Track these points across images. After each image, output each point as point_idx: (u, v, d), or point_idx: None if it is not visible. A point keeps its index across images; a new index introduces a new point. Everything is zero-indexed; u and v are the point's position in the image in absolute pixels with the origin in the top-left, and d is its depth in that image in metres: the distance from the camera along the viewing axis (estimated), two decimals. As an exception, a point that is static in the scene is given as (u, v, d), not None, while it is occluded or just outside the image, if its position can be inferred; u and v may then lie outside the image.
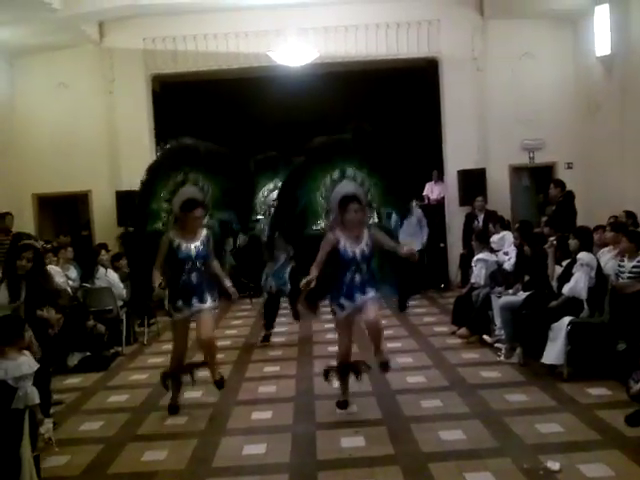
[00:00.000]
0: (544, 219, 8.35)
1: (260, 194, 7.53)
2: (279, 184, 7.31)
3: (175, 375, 5.26)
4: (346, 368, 5.07)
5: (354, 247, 4.74)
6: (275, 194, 7.29)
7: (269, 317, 7.53)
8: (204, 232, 5.11)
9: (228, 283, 5.20)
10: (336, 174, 5.06)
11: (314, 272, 4.63)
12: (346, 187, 5.00)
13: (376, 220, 5.11)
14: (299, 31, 10.80)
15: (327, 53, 10.88)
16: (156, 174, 5.32)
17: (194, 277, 5.00)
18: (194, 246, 5.01)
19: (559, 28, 11.08)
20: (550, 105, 11.02)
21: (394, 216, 5.31)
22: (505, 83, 11.03)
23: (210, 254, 5.13)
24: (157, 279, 4.88)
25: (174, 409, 5.18)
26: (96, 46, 11.13)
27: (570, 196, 8.65)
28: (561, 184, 8.84)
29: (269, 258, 7.35)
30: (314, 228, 5.13)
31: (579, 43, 10.79)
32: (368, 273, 4.81)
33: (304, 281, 4.60)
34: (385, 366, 4.90)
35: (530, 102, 10.97)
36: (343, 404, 5.01)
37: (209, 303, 5.06)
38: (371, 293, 4.76)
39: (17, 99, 11.19)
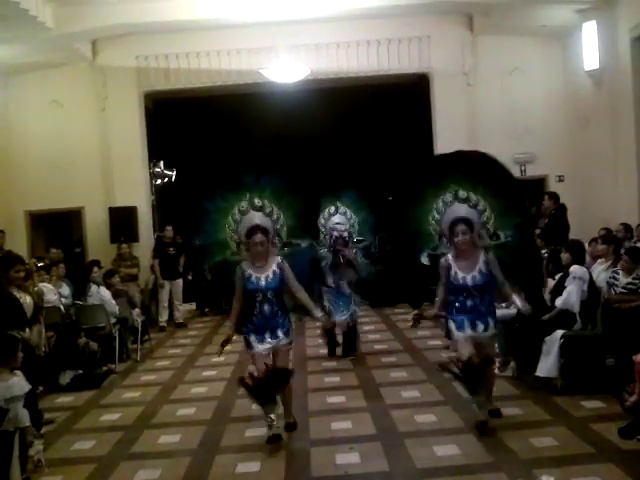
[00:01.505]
0: (537, 232, 8.38)
1: (321, 217, 7.36)
2: (340, 208, 7.33)
3: (256, 393, 4.81)
4: (475, 370, 4.73)
5: (465, 273, 4.67)
6: (337, 217, 7.27)
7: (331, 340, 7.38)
8: (277, 260, 4.81)
9: (318, 313, 5.00)
10: (448, 196, 4.90)
11: (437, 301, 4.70)
12: (457, 210, 4.84)
13: (490, 242, 4.87)
14: (291, 48, 10.88)
15: (319, 69, 10.96)
16: (212, 197, 5.10)
17: (266, 309, 4.73)
18: (264, 276, 4.73)
19: (548, 43, 11.22)
20: (540, 119, 11.13)
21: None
22: (495, 98, 11.14)
23: (289, 282, 4.80)
24: (233, 318, 4.78)
25: (274, 439, 4.69)
26: (89, 64, 11.18)
27: (563, 209, 8.69)
28: (555, 196, 8.90)
29: (331, 284, 7.10)
30: (427, 253, 4.99)
31: (568, 58, 10.92)
32: (485, 302, 4.71)
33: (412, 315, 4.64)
34: (497, 413, 4.84)
35: (520, 116, 11.08)
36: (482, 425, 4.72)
37: (283, 339, 4.79)
38: (492, 326, 4.73)
39: (11, 116, 11.21)
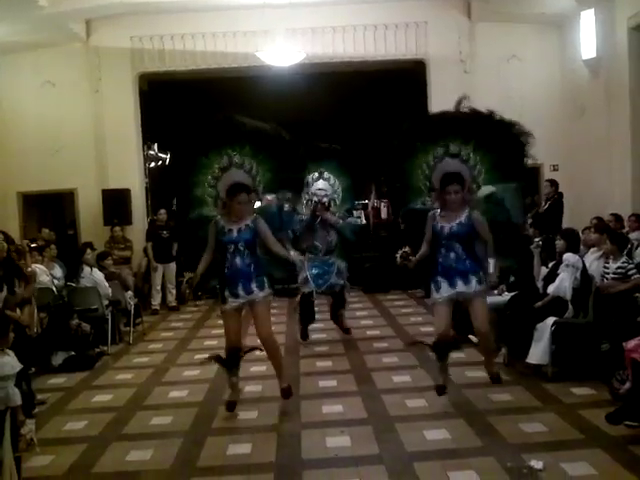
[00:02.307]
0: (529, 221, 8.46)
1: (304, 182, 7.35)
2: (324, 173, 7.27)
3: (226, 363, 5.04)
4: (446, 346, 4.95)
5: (445, 223, 4.69)
6: (320, 183, 7.21)
7: (305, 318, 7.29)
8: (252, 216, 4.86)
9: (292, 253, 5.06)
10: (439, 151, 4.91)
11: (422, 250, 4.71)
12: (448, 165, 4.85)
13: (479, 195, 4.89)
14: (286, 31, 10.80)
15: (315, 54, 10.89)
16: (196, 154, 5.11)
17: (238, 261, 4.76)
18: (237, 229, 4.79)
19: (546, 31, 11.17)
20: (536, 107, 11.08)
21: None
22: (492, 85, 11.08)
23: (262, 236, 4.83)
24: (202, 265, 4.82)
25: (230, 406, 4.98)
26: (83, 44, 11.05)
27: (562, 197, 8.88)
28: (556, 183, 9.19)
29: (307, 249, 7.08)
30: (417, 206, 5.00)
31: (565, 46, 10.89)
32: (466, 255, 4.70)
33: (402, 252, 4.67)
34: (497, 378, 4.95)
35: (517, 104, 10.99)
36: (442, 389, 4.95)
37: (259, 293, 4.82)
38: (474, 283, 4.68)
39: (3, 97, 11.08)
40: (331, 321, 7.60)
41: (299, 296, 7.24)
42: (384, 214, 12.60)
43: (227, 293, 4.83)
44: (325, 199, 7.14)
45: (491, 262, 4.71)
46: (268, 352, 5.05)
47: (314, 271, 7.12)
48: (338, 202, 7.38)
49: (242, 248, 4.79)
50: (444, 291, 4.75)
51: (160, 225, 10.29)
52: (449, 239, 4.70)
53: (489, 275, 4.73)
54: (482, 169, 4.93)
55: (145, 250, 10.35)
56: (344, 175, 7.45)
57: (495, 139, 4.99)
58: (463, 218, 4.70)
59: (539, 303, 5.79)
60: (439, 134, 4.96)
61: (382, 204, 12.81)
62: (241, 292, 4.81)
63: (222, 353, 5.12)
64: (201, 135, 5.28)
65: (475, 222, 4.69)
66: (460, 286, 4.72)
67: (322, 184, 7.25)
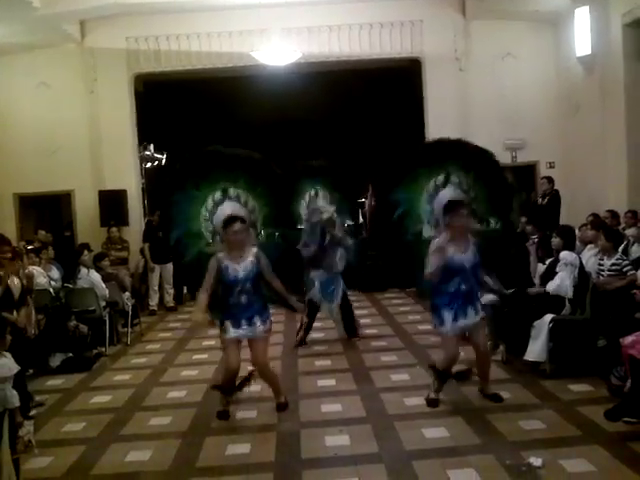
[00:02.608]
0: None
1: (302, 202, 7.31)
2: (320, 191, 7.29)
3: (226, 390, 5.02)
4: (454, 376, 5.02)
5: (460, 254, 4.64)
6: (321, 200, 7.24)
7: (310, 325, 7.33)
8: (253, 250, 4.79)
9: (293, 299, 4.99)
10: (440, 179, 4.92)
11: (433, 275, 4.60)
12: (451, 193, 4.88)
13: (480, 227, 4.94)
14: (282, 31, 10.79)
15: (311, 53, 10.89)
16: (184, 187, 5.01)
17: (243, 299, 4.73)
18: (242, 267, 4.70)
19: (540, 29, 11.19)
20: (532, 105, 11.12)
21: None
22: (487, 83, 11.12)
23: (264, 273, 4.78)
24: (203, 303, 4.65)
25: (224, 415, 4.96)
26: (78, 45, 11.03)
27: (559, 194, 8.95)
28: (552, 180, 9.35)
29: (317, 267, 7.08)
30: (414, 233, 5.02)
31: (560, 44, 10.90)
32: (475, 284, 4.73)
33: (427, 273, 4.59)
34: (498, 397, 4.93)
35: (512, 102, 11.07)
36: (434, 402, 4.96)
37: (259, 327, 4.79)
38: (480, 313, 4.75)
39: (-2, 98, 11.06)
40: (319, 323, 7.60)
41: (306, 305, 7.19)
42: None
43: (229, 324, 4.77)
44: (335, 215, 7.13)
45: (488, 279, 4.84)
46: (265, 379, 5.07)
47: (326, 288, 7.12)
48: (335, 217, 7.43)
49: (249, 288, 4.75)
50: (459, 323, 4.75)
51: (156, 226, 10.27)
52: (464, 270, 4.67)
53: (498, 288, 4.88)
54: (480, 202, 4.99)
55: (142, 251, 10.34)
56: (336, 192, 7.50)
57: (490, 175, 5.07)
58: (471, 247, 4.72)
59: (534, 290, 5.80)
60: (440, 160, 4.97)
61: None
62: (244, 326, 4.79)
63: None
64: (190, 167, 5.15)
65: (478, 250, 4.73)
66: (471, 316, 4.76)
67: (322, 202, 7.28)
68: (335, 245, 7.11)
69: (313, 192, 7.30)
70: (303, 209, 7.27)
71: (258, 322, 4.79)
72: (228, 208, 4.94)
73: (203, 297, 4.69)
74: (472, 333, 4.89)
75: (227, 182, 5.01)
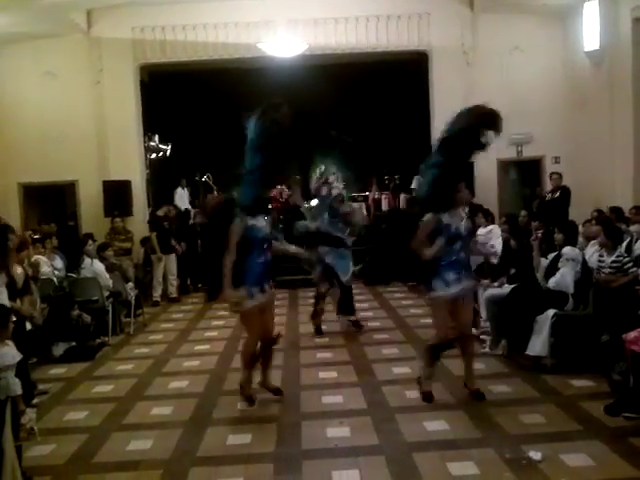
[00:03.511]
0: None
1: (313, 177, 7.34)
2: (331, 169, 7.30)
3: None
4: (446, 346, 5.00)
5: (457, 223, 4.80)
6: (330, 177, 7.26)
7: (350, 305, 7.36)
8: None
9: (294, 248, 5.18)
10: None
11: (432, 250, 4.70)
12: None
13: None
14: (289, 22, 10.77)
15: (317, 45, 10.86)
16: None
17: (269, 257, 4.87)
18: (265, 226, 4.85)
19: (548, 23, 11.13)
20: (538, 99, 11.07)
21: None
22: (494, 77, 11.07)
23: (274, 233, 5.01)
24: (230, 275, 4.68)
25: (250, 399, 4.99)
26: (84, 35, 11.04)
27: (569, 189, 9.04)
28: (561, 176, 9.35)
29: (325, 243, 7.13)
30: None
31: (568, 38, 10.84)
32: (468, 253, 4.91)
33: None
34: (481, 395, 4.90)
35: (519, 96, 11.01)
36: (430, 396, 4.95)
37: (270, 290, 4.94)
38: (471, 281, 4.87)
39: (4, 88, 11.08)
40: (330, 314, 7.61)
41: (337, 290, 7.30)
42: (385, 206, 12.60)
43: (255, 289, 4.79)
44: (344, 191, 7.26)
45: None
46: (269, 351, 5.10)
47: (340, 260, 7.16)
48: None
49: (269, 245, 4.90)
50: (455, 287, 4.78)
51: (160, 216, 10.30)
52: (463, 237, 4.81)
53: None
54: None
55: (143, 241, 10.34)
56: (344, 167, 7.48)
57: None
58: (465, 215, 4.91)
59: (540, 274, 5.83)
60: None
61: (383, 196, 12.81)
62: (266, 287, 4.88)
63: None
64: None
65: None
66: (467, 280, 4.84)
67: (332, 178, 7.30)
68: (343, 221, 7.17)
69: (323, 167, 7.31)
70: (313, 182, 7.31)
71: (268, 286, 4.92)
72: None
73: (230, 263, 4.72)
74: (459, 309, 4.85)
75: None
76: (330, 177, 7.28)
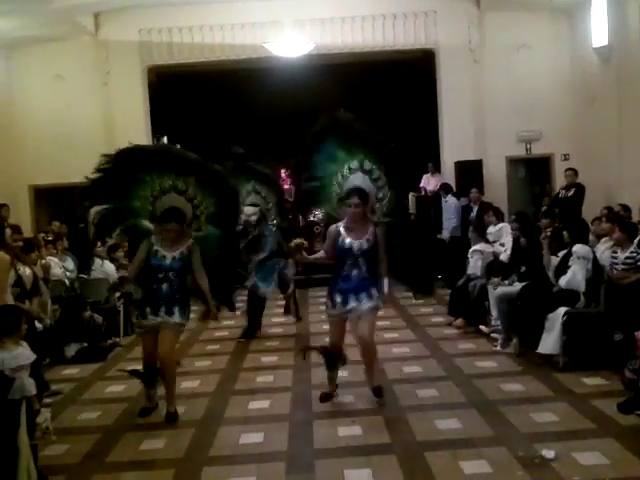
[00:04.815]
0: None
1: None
2: (256, 186, 7.43)
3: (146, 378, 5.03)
4: (336, 357, 5.03)
5: (353, 240, 4.72)
6: (253, 198, 7.37)
7: (255, 316, 7.44)
8: (188, 243, 4.81)
9: (212, 302, 4.92)
10: (354, 164, 4.98)
11: (319, 254, 4.81)
12: (357, 179, 4.92)
13: (380, 219, 4.96)
14: (295, 22, 10.78)
15: (323, 44, 10.87)
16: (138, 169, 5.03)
17: (165, 288, 4.75)
18: (171, 256, 4.75)
19: (556, 19, 11.09)
20: (547, 96, 11.03)
21: None
22: (502, 74, 11.04)
23: (193, 267, 4.81)
24: (132, 272, 4.86)
25: (145, 412, 4.92)
26: (92, 38, 11.10)
27: (583, 187, 9.02)
28: (577, 172, 9.31)
29: (253, 252, 7.23)
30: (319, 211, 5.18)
31: (576, 34, 10.79)
32: (368, 272, 4.74)
33: (294, 242, 4.74)
34: (379, 391, 4.90)
35: (527, 94, 10.99)
36: (327, 397, 4.96)
37: (176, 318, 4.76)
38: (366, 303, 4.71)
39: (14, 91, 11.17)
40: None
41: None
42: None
43: (149, 310, 4.80)
44: (253, 217, 7.23)
45: (385, 281, 4.83)
46: (167, 373, 4.87)
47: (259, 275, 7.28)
48: (273, 215, 7.61)
49: (172, 277, 4.77)
50: (338, 308, 4.78)
51: None
52: (356, 256, 4.73)
53: (382, 294, 4.82)
54: (387, 194, 5.03)
55: None
56: (273, 190, 7.63)
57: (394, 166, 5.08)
58: (370, 235, 4.75)
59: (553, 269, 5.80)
60: (357, 146, 5.01)
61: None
62: (162, 313, 4.76)
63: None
64: (145, 157, 5.18)
65: (378, 237, 4.77)
66: (352, 303, 4.73)
67: (251, 200, 7.42)
68: (259, 239, 7.27)
69: (250, 187, 7.41)
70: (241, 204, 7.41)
71: (177, 314, 4.77)
72: (171, 200, 4.90)
73: (132, 269, 4.94)
74: (359, 321, 4.79)
75: (178, 177, 4.97)
76: (252, 198, 7.41)
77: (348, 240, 4.73)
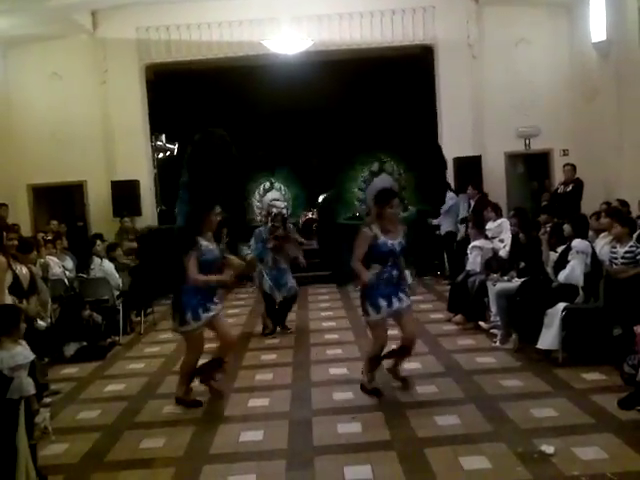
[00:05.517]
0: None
1: (256, 193, 7.40)
2: (275, 183, 7.36)
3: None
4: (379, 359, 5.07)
5: (393, 240, 4.73)
6: (272, 193, 7.28)
7: (277, 320, 7.37)
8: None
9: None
10: (375, 166, 5.03)
11: (364, 272, 4.64)
12: (384, 181, 4.97)
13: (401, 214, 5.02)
14: (293, 19, 10.76)
15: (321, 41, 10.85)
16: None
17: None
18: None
19: (555, 14, 11.06)
20: (546, 92, 11.02)
21: None
22: (500, 70, 11.02)
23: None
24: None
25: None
26: (89, 36, 11.08)
27: (582, 182, 9.04)
28: (575, 168, 9.33)
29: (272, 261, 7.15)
30: (345, 218, 5.12)
31: (575, 29, 10.76)
32: (401, 271, 4.81)
33: (362, 280, 4.64)
34: (406, 382, 5.01)
35: (526, 89, 10.97)
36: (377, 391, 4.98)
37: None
38: (406, 301, 4.80)
39: (11, 90, 11.14)
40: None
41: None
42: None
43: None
44: (284, 210, 7.23)
45: (408, 273, 4.95)
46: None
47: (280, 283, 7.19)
48: (290, 211, 7.55)
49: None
50: (384, 312, 4.78)
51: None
52: (397, 256, 4.76)
53: (411, 285, 4.98)
54: (409, 190, 5.12)
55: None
56: (294, 184, 7.54)
57: (421, 163, 5.13)
58: (401, 233, 4.80)
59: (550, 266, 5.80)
60: (377, 149, 5.10)
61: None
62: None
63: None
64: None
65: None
66: (396, 304, 4.78)
67: (275, 194, 7.33)
68: (285, 239, 7.17)
69: (268, 184, 7.35)
70: (256, 200, 7.34)
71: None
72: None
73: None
74: (403, 318, 4.88)
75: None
76: (270, 194, 7.36)
77: (390, 242, 4.72)
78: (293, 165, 7.69)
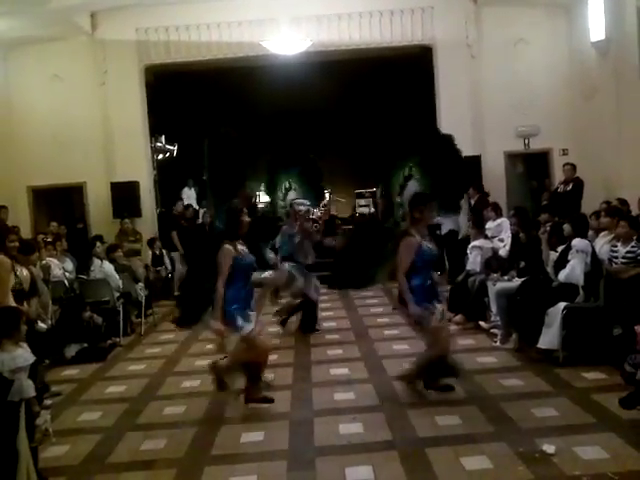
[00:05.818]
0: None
1: (278, 192, 7.44)
2: (294, 184, 7.38)
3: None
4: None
5: (430, 244, 4.72)
6: (293, 193, 7.32)
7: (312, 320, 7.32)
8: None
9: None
10: (407, 171, 5.04)
11: (412, 305, 4.59)
12: (414, 187, 4.96)
13: None
14: (292, 20, 10.76)
15: (320, 42, 10.85)
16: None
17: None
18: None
19: (553, 14, 11.06)
20: (545, 91, 11.01)
21: None
22: (499, 70, 11.02)
23: None
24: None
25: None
26: (89, 37, 11.08)
27: (582, 181, 9.03)
28: (575, 167, 9.31)
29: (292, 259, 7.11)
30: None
31: (573, 29, 10.77)
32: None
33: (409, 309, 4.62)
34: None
35: (525, 88, 10.97)
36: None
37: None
38: (440, 305, 4.79)
39: (11, 92, 11.15)
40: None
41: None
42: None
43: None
44: (310, 208, 7.25)
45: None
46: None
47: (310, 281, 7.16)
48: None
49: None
50: (440, 315, 4.74)
51: (177, 215, 10.43)
52: (435, 261, 4.82)
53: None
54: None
55: (150, 242, 10.35)
56: (305, 184, 7.56)
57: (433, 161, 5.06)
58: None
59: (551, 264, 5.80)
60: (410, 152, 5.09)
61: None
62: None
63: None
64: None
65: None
66: (439, 308, 4.76)
67: (295, 194, 7.37)
68: (307, 238, 7.18)
69: (287, 183, 7.37)
70: (279, 199, 7.38)
71: None
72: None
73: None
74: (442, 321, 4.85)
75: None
76: (290, 193, 7.35)
77: (431, 247, 4.71)
78: (302, 165, 7.65)
